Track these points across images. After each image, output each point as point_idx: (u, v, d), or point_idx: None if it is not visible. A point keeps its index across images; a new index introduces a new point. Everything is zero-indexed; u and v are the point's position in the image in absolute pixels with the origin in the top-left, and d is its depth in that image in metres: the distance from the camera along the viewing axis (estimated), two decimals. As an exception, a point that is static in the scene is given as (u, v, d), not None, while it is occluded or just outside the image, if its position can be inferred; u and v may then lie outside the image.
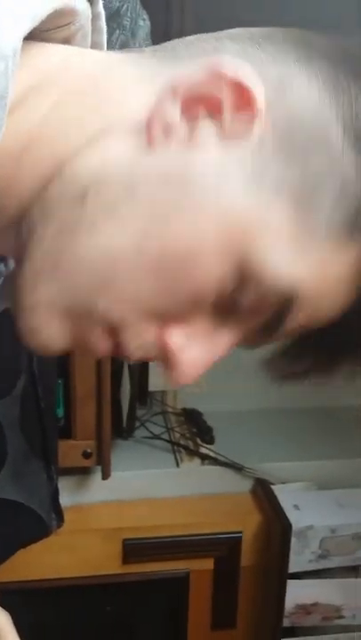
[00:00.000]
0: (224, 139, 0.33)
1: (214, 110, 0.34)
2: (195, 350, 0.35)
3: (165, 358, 0.35)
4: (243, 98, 0.33)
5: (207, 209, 0.33)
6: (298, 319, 0.35)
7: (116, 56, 0.37)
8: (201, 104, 0.34)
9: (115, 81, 0.35)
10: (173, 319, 0.34)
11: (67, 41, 0.38)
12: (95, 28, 0.40)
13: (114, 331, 0.35)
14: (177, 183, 0.33)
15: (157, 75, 0.35)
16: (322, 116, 0.34)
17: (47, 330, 0.35)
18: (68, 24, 0.37)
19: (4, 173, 0.34)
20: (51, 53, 0.36)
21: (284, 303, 0.34)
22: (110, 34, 0.43)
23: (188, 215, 0.33)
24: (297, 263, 0.33)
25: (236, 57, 0.34)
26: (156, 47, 0.37)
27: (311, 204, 0.33)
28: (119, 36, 0.72)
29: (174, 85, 0.33)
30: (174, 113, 0.33)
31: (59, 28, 0.37)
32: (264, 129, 0.33)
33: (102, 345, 0.35)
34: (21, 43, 0.32)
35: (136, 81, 0.35)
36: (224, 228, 0.33)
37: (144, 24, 0.70)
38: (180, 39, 0.37)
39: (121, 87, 0.35)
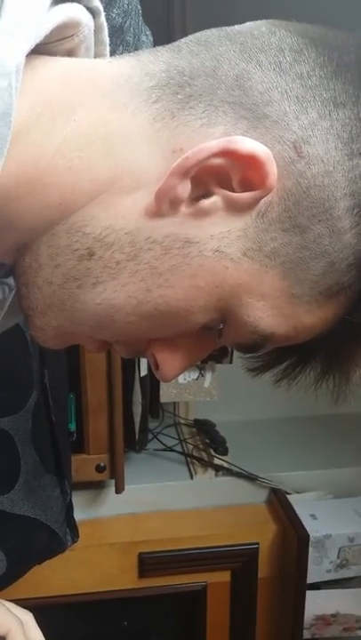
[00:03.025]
0: (230, 209, 0.34)
1: (224, 184, 0.34)
2: (177, 359, 0.39)
3: (151, 361, 0.40)
4: (254, 174, 0.34)
5: (205, 274, 0.35)
6: (274, 345, 0.39)
7: (124, 88, 0.36)
8: (211, 178, 0.34)
9: (124, 133, 0.35)
10: (160, 339, 0.39)
11: (70, 53, 0.38)
12: (98, 40, 0.40)
13: (107, 342, 0.40)
14: (179, 249, 0.35)
15: (166, 128, 0.34)
16: (331, 186, 0.34)
17: (53, 341, 0.40)
18: (72, 36, 0.37)
19: (7, 208, 0.35)
20: (55, 71, 0.36)
21: (260, 340, 0.38)
22: (113, 49, 0.42)
23: (186, 279, 0.35)
24: (276, 320, 0.37)
25: (255, 117, 0.34)
26: (163, 78, 0.35)
27: (300, 275, 0.36)
28: (122, 52, 0.72)
29: (186, 165, 0.33)
30: (184, 190, 0.34)
31: (62, 40, 0.37)
32: (271, 199, 0.34)
33: (96, 349, 0.41)
34: (24, 58, 0.32)
35: (146, 137, 0.35)
36: (217, 291, 0.35)
37: (147, 40, 0.71)
38: (190, 61, 0.36)
39: (130, 142, 0.35)
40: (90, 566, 1.14)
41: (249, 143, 0.33)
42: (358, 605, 1.25)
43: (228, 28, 0.37)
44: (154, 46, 0.74)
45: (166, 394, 1.21)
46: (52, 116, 0.34)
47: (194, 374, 1.21)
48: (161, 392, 1.22)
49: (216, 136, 0.34)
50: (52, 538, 1.01)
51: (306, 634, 1.24)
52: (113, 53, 0.42)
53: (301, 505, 1.25)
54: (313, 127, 0.34)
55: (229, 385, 1.10)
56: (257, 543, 1.22)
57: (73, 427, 1.06)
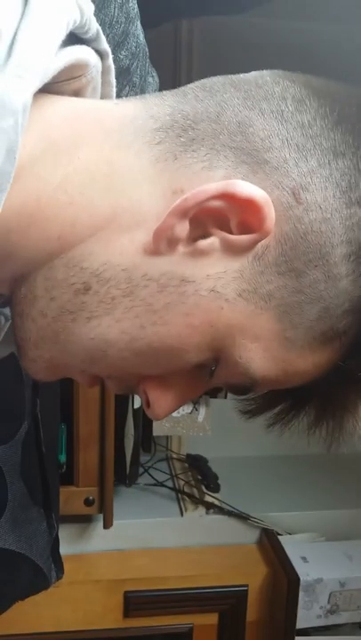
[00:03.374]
0: (227, 251, 0.35)
1: (222, 226, 0.35)
2: (168, 398, 0.39)
3: (143, 398, 0.40)
4: (252, 217, 0.34)
5: (199, 313, 0.35)
6: (265, 388, 0.39)
7: (128, 129, 0.36)
8: (209, 220, 0.35)
9: (126, 172, 0.35)
10: (153, 376, 0.39)
11: (77, 93, 0.39)
12: (105, 82, 0.40)
13: (99, 377, 0.40)
14: (175, 288, 0.35)
15: (168, 170, 0.35)
16: (328, 232, 0.35)
17: (44, 373, 0.40)
18: (80, 76, 0.38)
19: (7, 239, 0.35)
20: (61, 109, 0.37)
21: (250, 382, 0.38)
22: (120, 90, 0.43)
23: (181, 317, 0.35)
24: (268, 363, 0.37)
25: (254, 161, 0.34)
26: (168, 121, 0.36)
27: (295, 319, 0.36)
28: (128, 93, 0.73)
29: (185, 206, 0.34)
30: (182, 230, 0.34)
31: (70, 79, 0.37)
32: (268, 243, 0.35)
33: (88, 384, 0.40)
34: (31, 98, 0.32)
35: (148, 177, 0.35)
36: (211, 330, 0.35)
37: (153, 81, 0.72)
38: (194, 106, 0.36)
39: (131, 181, 0.35)
40: (74, 603, 1.11)
41: (248, 187, 0.33)
42: (348, 653, 1.22)
43: (233, 76, 0.38)
44: (160, 87, 0.75)
45: (159, 427, 1.20)
46: (57, 152, 0.35)
47: (188, 408, 1.20)
48: (154, 425, 1.21)
49: (216, 179, 0.34)
50: (36, 573, 0.99)
51: None
52: (119, 93, 0.43)
53: (293, 547, 1.22)
54: (312, 175, 0.34)
55: (223, 420, 1.09)
56: (246, 585, 1.19)
57: (63, 458, 1.05)
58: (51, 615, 1.10)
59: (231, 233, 0.34)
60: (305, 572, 1.17)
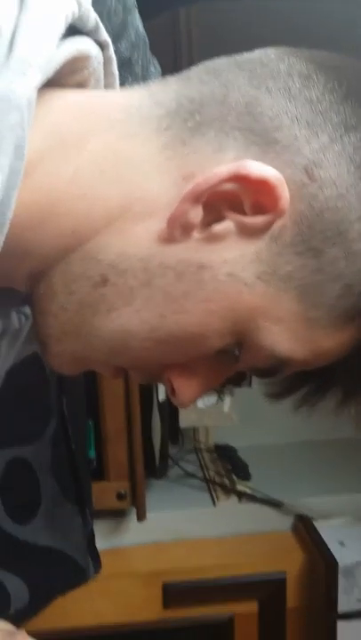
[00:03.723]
0: (243, 234, 0.34)
1: (236, 208, 0.34)
2: (193, 385, 0.39)
3: (168, 387, 0.40)
4: (266, 198, 0.34)
5: (219, 299, 0.35)
6: (291, 369, 0.38)
7: (134, 118, 0.36)
8: (223, 203, 0.34)
9: (136, 161, 0.35)
10: (176, 364, 0.38)
11: (80, 85, 0.39)
12: (107, 72, 0.41)
13: (123, 369, 0.40)
14: (192, 275, 0.35)
15: (177, 155, 0.35)
16: (345, 208, 0.34)
17: (68, 367, 0.40)
18: (82, 69, 0.38)
19: (22, 237, 0.35)
20: (66, 103, 0.37)
21: (277, 364, 0.37)
22: (122, 82, 0.43)
23: (200, 304, 0.35)
24: (292, 345, 0.36)
25: (265, 142, 0.34)
26: (173, 107, 0.36)
27: (316, 299, 0.35)
28: (131, 84, 0.74)
29: (197, 191, 0.34)
30: (196, 215, 0.34)
31: (73, 73, 0.37)
32: (284, 223, 0.34)
33: (112, 375, 0.41)
34: (36, 93, 0.32)
35: (157, 164, 0.35)
36: (232, 315, 0.35)
37: (155, 70, 0.72)
38: (199, 90, 0.36)
39: (141, 170, 0.35)
40: (113, 597, 1.12)
41: (260, 167, 0.33)
42: (393, 636, 1.20)
43: (237, 56, 0.38)
44: (162, 76, 0.75)
45: (185, 419, 1.20)
46: (65, 146, 0.35)
47: (213, 399, 1.20)
48: (180, 417, 1.21)
49: (227, 161, 0.34)
50: (74, 568, 1.01)
51: (338, 666, 1.20)
52: (122, 85, 0.42)
53: (329, 531, 1.21)
54: (324, 151, 0.34)
55: (249, 409, 1.09)
56: (284, 572, 1.19)
57: (92, 454, 1.06)
58: (90, 609, 1.11)
59: (246, 215, 0.34)
60: (343, 556, 1.16)
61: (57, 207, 0.35)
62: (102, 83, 0.40)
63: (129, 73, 0.68)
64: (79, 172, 0.35)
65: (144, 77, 0.70)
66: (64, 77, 0.37)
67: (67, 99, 0.37)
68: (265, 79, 0.35)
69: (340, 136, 0.34)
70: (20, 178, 0.32)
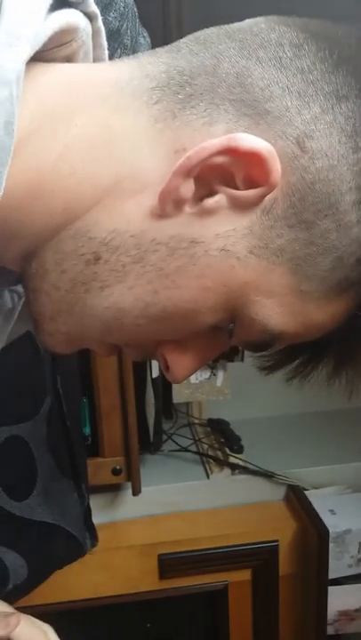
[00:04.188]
0: (235, 208, 0.34)
1: (228, 182, 0.34)
2: (187, 360, 0.39)
3: (162, 363, 0.40)
4: (257, 171, 0.33)
5: (211, 274, 0.35)
6: (284, 343, 0.38)
7: (124, 91, 0.35)
8: (214, 177, 0.34)
9: (126, 135, 0.35)
10: (170, 341, 0.38)
11: (69, 58, 0.38)
12: (96, 45, 0.40)
13: (117, 346, 0.40)
14: (185, 250, 0.34)
15: (168, 129, 0.34)
16: (336, 180, 0.34)
17: (62, 346, 0.40)
18: (70, 41, 0.37)
19: (12, 216, 0.35)
20: (55, 78, 0.36)
21: (269, 338, 0.37)
22: (111, 53, 0.42)
23: (193, 280, 0.35)
24: (285, 318, 0.36)
25: (257, 112, 0.33)
26: (163, 79, 0.35)
27: (308, 271, 0.35)
28: (120, 55, 0.72)
29: (188, 164, 0.33)
30: (187, 190, 0.34)
31: (61, 46, 0.37)
32: (275, 196, 0.34)
33: (106, 353, 0.40)
34: (24, 67, 0.32)
35: (148, 138, 0.34)
36: (225, 290, 0.35)
37: (145, 42, 0.71)
38: (189, 61, 0.35)
39: (132, 144, 0.35)
40: (110, 570, 1.14)
41: (251, 140, 0.33)
42: (382, 599, 1.24)
43: (227, 26, 0.37)
44: (152, 48, 0.74)
45: (179, 394, 1.21)
46: (54, 122, 0.34)
47: (206, 374, 1.21)
48: (173, 393, 1.22)
49: (218, 134, 0.33)
50: (71, 542, 1.02)
51: (330, 630, 1.23)
52: (111, 57, 0.42)
53: (320, 500, 1.24)
54: (316, 121, 0.33)
55: (242, 383, 1.10)
56: (277, 541, 1.21)
57: (87, 431, 1.07)
58: (88, 582, 1.13)
59: (237, 189, 0.34)
60: (334, 524, 1.19)
61: (46, 185, 0.34)
62: (91, 55, 0.40)
63: (118, 44, 0.67)
64: (68, 148, 0.34)
65: (133, 49, 0.69)
66: (52, 50, 0.36)
67: (55, 73, 0.36)
68: (256, 49, 0.35)
69: (332, 106, 0.34)
70: (10, 155, 0.31)
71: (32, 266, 0.37)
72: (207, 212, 0.34)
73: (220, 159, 0.33)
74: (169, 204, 0.34)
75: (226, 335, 0.37)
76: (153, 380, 1.16)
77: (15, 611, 0.62)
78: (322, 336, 0.38)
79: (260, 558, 1.21)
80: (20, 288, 0.43)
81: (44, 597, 1.03)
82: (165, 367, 0.40)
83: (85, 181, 0.34)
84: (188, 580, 1.19)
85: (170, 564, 1.17)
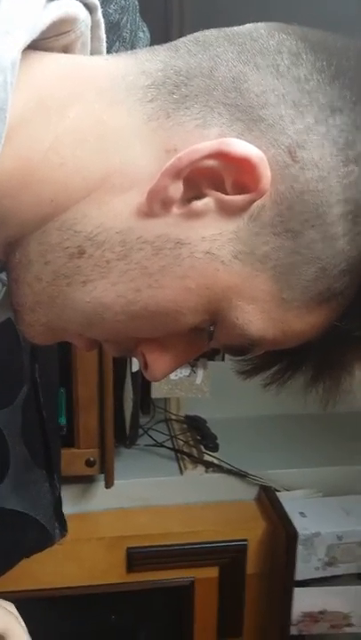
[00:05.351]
0: (223, 212, 0.34)
1: (217, 186, 0.34)
2: (166, 359, 0.39)
3: (141, 360, 0.40)
4: (247, 177, 0.33)
5: (195, 276, 0.35)
6: (263, 348, 0.39)
7: (120, 86, 0.35)
8: (204, 180, 0.34)
9: (118, 131, 0.34)
10: (150, 339, 0.38)
11: (66, 49, 0.38)
12: (95, 37, 0.39)
13: (97, 341, 0.39)
14: (170, 250, 0.34)
15: (161, 128, 0.34)
16: (325, 191, 0.34)
17: (41, 337, 0.40)
18: (68, 32, 0.37)
19: (0, 204, 0.34)
20: (51, 67, 0.36)
21: (248, 343, 0.37)
22: (110, 46, 0.42)
23: (176, 280, 0.35)
24: (265, 324, 0.36)
25: (249, 121, 0.33)
26: (160, 77, 0.35)
27: (291, 280, 0.35)
28: (119, 48, 0.72)
29: (178, 165, 0.33)
30: (176, 191, 0.34)
31: (59, 35, 0.36)
32: (263, 203, 0.34)
33: (86, 347, 0.40)
34: (20, 55, 0.31)
35: (140, 136, 0.34)
36: (207, 293, 0.35)
37: (144, 36, 0.70)
38: (187, 61, 0.35)
39: (124, 140, 0.34)
40: (78, 560, 1.14)
41: (243, 146, 0.33)
42: (346, 603, 1.26)
43: (227, 29, 0.37)
44: (151, 43, 0.73)
45: (158, 390, 1.22)
46: (47, 112, 0.34)
47: (186, 371, 1.21)
48: (152, 388, 1.22)
49: (210, 137, 0.33)
50: (40, 532, 1.01)
51: (293, 630, 1.25)
52: (109, 49, 0.41)
53: (291, 503, 1.25)
54: (309, 132, 0.33)
55: (221, 382, 1.10)
56: (245, 540, 1.22)
57: (63, 421, 1.06)
58: (56, 572, 1.13)
59: (226, 193, 0.34)
60: (303, 527, 1.20)
61: (36, 175, 0.34)
62: (89, 47, 0.39)
63: (117, 37, 0.66)
64: (60, 139, 0.34)
65: (132, 43, 0.69)
66: (49, 40, 0.36)
67: (51, 62, 0.36)
68: (254, 55, 0.35)
69: (326, 118, 0.34)
70: (2, 141, 0.31)
71: (16, 255, 0.37)
72: (194, 215, 0.34)
73: (210, 162, 0.33)
74: (157, 204, 0.34)
75: (206, 337, 0.37)
76: (133, 374, 1.17)
77: None
78: (301, 344, 0.39)
79: (227, 556, 1.22)
80: (3, 276, 0.42)
81: (11, 584, 1.03)
82: (144, 365, 0.40)
83: (75, 174, 0.34)
84: (155, 574, 1.20)
85: (138, 558, 1.18)
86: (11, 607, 0.61)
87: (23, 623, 0.61)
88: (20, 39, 0.31)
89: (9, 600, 0.62)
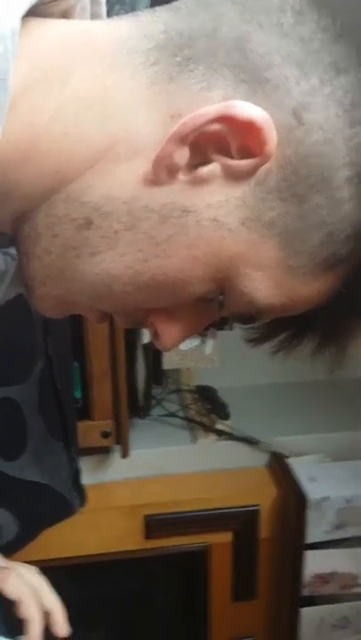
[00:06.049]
0: (229, 177, 0.33)
1: (222, 151, 0.33)
2: (176, 330, 0.39)
3: (151, 331, 0.39)
4: (253, 141, 0.32)
5: (202, 244, 0.34)
6: (270, 316, 0.38)
7: (121, 51, 0.34)
8: (209, 145, 0.33)
9: (122, 97, 0.33)
10: (159, 309, 0.38)
11: (66, 14, 0.37)
12: (94, 0, 0.38)
13: (108, 313, 0.39)
14: (176, 219, 0.34)
15: (164, 92, 0.33)
16: (331, 154, 0.33)
17: (53, 310, 0.40)
18: None
19: (5, 176, 0.34)
20: (51, 34, 0.34)
21: (256, 311, 0.37)
22: (109, 9, 0.41)
23: (183, 249, 0.34)
24: (272, 291, 0.36)
25: (253, 84, 0.32)
26: (162, 40, 0.34)
27: (298, 246, 0.34)
28: (119, 11, 0.71)
29: (183, 131, 0.32)
30: (181, 157, 0.33)
31: (57, 0, 0.35)
32: (270, 167, 0.33)
33: (97, 319, 0.40)
34: (20, 22, 0.31)
35: (144, 101, 0.33)
36: (214, 261, 0.34)
37: (143, -2, 0.69)
38: (189, 22, 0.34)
39: (127, 107, 0.33)
40: (97, 529, 1.17)
41: (248, 108, 0.32)
42: (355, 564, 1.29)
43: None
44: (152, 3, 0.72)
45: (169, 361, 1.23)
46: (48, 80, 0.33)
47: (195, 341, 1.22)
48: (163, 359, 1.23)
49: (215, 100, 0.32)
50: (61, 502, 1.04)
51: (305, 591, 1.28)
52: (109, 13, 0.40)
53: (301, 468, 1.27)
54: (314, 93, 0.32)
55: (231, 351, 1.11)
56: (258, 505, 1.25)
57: (78, 394, 1.08)
58: (76, 541, 1.16)
59: (232, 158, 0.33)
60: (313, 491, 1.22)
61: (39, 145, 0.33)
62: (88, 11, 0.38)
63: (116, 0, 0.66)
64: (62, 108, 0.33)
65: (132, 5, 0.68)
66: (48, 5, 0.35)
67: (51, 29, 0.35)
68: (257, 13, 0.33)
69: (331, 79, 0.33)
70: (6, 113, 0.30)
71: (24, 229, 0.36)
72: (201, 181, 0.33)
73: (215, 126, 0.32)
74: (162, 171, 0.33)
75: (215, 306, 0.37)
76: (144, 346, 1.18)
77: (8, 564, 0.64)
78: (308, 311, 0.38)
79: (240, 522, 1.25)
80: (12, 250, 0.42)
81: (32, 554, 1.06)
82: (155, 335, 0.39)
83: (79, 143, 0.33)
84: (171, 540, 1.22)
85: (155, 525, 1.20)
86: (40, 583, 0.63)
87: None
88: (19, 6, 0.30)
89: (32, 569, 0.64)
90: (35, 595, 0.61)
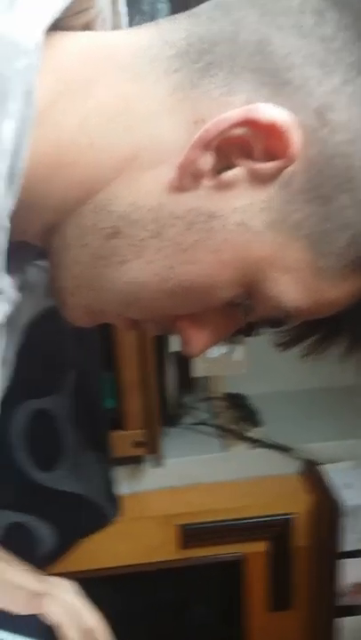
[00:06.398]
0: (253, 181, 0.33)
1: (247, 154, 0.33)
2: (204, 335, 0.39)
3: (180, 337, 0.40)
4: (277, 143, 0.32)
5: (228, 249, 0.34)
6: (298, 319, 0.39)
7: (143, 59, 0.34)
8: (233, 149, 0.33)
9: (145, 105, 0.34)
10: (187, 315, 0.38)
11: (87, 26, 0.37)
12: (114, 12, 0.39)
13: (137, 321, 0.40)
14: (202, 224, 0.34)
15: (187, 98, 0.33)
16: (355, 154, 0.33)
17: (83, 320, 0.41)
18: (88, 9, 0.36)
19: (33, 190, 0.34)
20: (74, 47, 0.35)
21: (284, 314, 0.37)
22: (130, 19, 0.42)
23: (210, 254, 0.34)
24: (300, 294, 0.36)
25: (275, 85, 0.32)
26: (183, 46, 0.34)
27: (324, 248, 0.34)
28: (139, 22, 0.72)
29: (207, 137, 0.32)
30: (206, 162, 0.33)
31: (79, 13, 0.36)
32: (294, 169, 0.33)
33: (126, 327, 0.40)
34: (43, 36, 0.31)
35: (167, 108, 0.33)
36: (241, 265, 0.35)
37: (163, 6, 0.70)
38: (209, 28, 0.34)
39: (151, 115, 0.34)
40: (132, 539, 1.17)
41: (270, 111, 0.32)
42: (393, 572, 1.26)
43: None
44: (172, 13, 0.73)
45: (197, 368, 1.23)
46: (72, 93, 0.34)
47: (223, 348, 1.22)
48: (192, 367, 1.23)
49: (237, 105, 0.33)
50: (96, 512, 1.04)
51: (343, 601, 1.26)
52: (130, 24, 0.41)
53: (335, 474, 1.26)
54: (336, 93, 0.32)
55: (260, 357, 1.11)
56: (292, 513, 1.23)
57: (110, 404, 1.08)
58: (110, 551, 1.16)
59: (256, 161, 0.33)
60: (348, 498, 1.21)
61: (65, 158, 0.34)
62: (109, 23, 0.39)
63: (136, 11, 0.66)
64: (86, 120, 0.33)
65: (152, 15, 0.68)
66: (70, 18, 0.36)
67: (73, 42, 0.35)
68: (276, 16, 0.34)
69: (353, 78, 0.32)
70: (32, 125, 0.31)
71: (54, 240, 0.37)
72: (225, 186, 0.33)
73: (238, 131, 0.32)
74: (187, 177, 0.33)
75: (242, 311, 0.37)
76: (172, 354, 1.18)
77: (45, 585, 0.62)
78: (336, 313, 0.38)
79: (275, 530, 1.24)
80: (42, 262, 0.43)
81: (68, 565, 1.06)
82: (183, 342, 0.40)
83: (104, 153, 0.34)
84: (205, 550, 1.21)
85: (189, 535, 1.19)
86: (82, 608, 0.61)
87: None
88: (42, 20, 0.31)
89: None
90: (75, 616, 0.60)
